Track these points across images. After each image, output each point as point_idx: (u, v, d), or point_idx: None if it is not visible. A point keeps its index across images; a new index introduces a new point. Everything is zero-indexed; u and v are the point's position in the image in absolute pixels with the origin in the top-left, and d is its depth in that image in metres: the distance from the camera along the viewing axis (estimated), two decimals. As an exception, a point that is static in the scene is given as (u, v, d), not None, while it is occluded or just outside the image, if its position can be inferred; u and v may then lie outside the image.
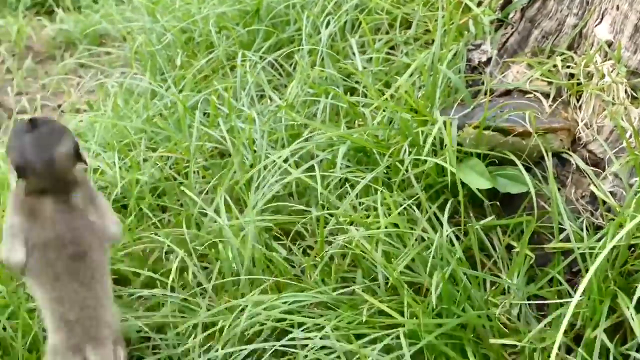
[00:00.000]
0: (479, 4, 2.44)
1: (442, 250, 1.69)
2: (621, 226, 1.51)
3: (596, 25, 1.92)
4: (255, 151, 2.20)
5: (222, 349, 1.69)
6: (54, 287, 1.71)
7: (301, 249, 2.00)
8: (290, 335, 1.64)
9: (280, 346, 1.65)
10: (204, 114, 2.51)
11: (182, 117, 2.40)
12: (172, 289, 1.90)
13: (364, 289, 1.75)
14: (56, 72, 3.87)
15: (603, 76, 1.83)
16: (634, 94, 1.78)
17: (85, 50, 3.92)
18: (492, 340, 1.60)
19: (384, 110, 2.12)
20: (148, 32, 3.16)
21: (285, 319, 1.70)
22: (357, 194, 1.88)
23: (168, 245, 2.02)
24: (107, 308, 1.76)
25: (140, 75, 2.96)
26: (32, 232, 1.77)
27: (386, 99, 2.09)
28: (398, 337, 1.58)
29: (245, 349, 1.70)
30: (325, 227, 1.87)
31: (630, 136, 1.73)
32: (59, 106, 3.52)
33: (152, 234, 2.09)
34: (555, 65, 1.98)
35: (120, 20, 3.88)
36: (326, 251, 1.86)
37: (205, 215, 2.10)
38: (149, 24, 3.20)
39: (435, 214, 1.82)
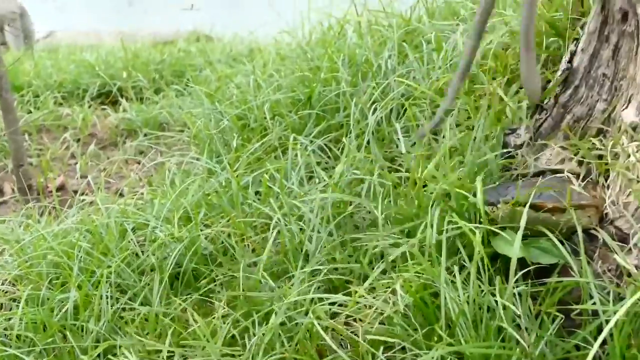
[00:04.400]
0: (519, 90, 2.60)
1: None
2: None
3: (623, 110, 2.04)
4: (301, 227, 2.34)
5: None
6: None
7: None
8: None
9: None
10: (257, 192, 2.67)
11: (236, 195, 2.56)
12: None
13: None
14: (118, 158, 4.07)
15: (629, 156, 1.95)
16: (658, 173, 1.89)
17: (145, 138, 4.14)
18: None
19: (424, 186, 2.26)
20: (206, 118, 3.35)
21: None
22: (395, 265, 2.01)
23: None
24: None
25: (198, 157, 3.14)
26: None
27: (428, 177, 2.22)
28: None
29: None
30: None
31: (654, 211, 1.85)
32: (119, 189, 3.70)
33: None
34: (588, 147, 2.11)
35: (180, 109, 4.09)
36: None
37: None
38: (207, 110, 3.39)
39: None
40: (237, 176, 2.67)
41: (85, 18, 12.74)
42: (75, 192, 3.81)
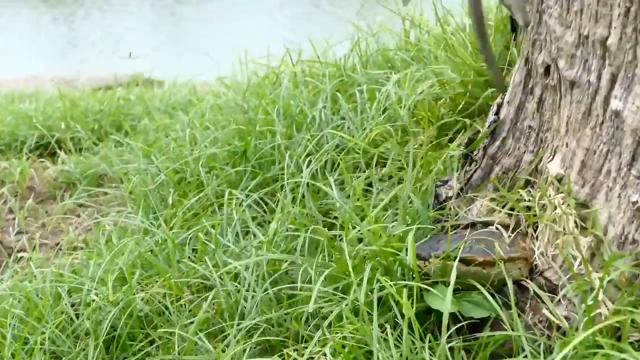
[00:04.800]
0: (450, 141, 2.63)
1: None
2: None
3: (549, 162, 2.08)
4: (237, 286, 2.33)
5: None
6: None
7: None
8: None
9: None
10: (193, 250, 2.66)
11: (172, 254, 2.54)
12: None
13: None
14: (56, 212, 4.02)
15: (555, 208, 1.98)
16: (583, 224, 1.92)
17: (84, 191, 4.08)
18: None
19: (360, 241, 2.27)
20: (143, 173, 3.33)
21: None
22: (330, 323, 2.01)
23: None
24: None
25: (134, 215, 3.11)
26: None
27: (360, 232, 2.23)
28: None
29: None
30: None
31: (580, 264, 1.87)
32: (57, 244, 3.65)
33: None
34: (516, 198, 2.14)
35: (119, 161, 4.04)
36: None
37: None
38: (144, 165, 3.38)
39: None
40: (172, 234, 2.65)
41: (26, 64, 12.66)
42: (12, 249, 3.76)
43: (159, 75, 8.93)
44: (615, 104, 1.81)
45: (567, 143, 2.01)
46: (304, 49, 3.87)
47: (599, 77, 1.87)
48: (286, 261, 2.35)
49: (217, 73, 4.86)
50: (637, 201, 1.79)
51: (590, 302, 1.76)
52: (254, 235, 2.58)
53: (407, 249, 2.07)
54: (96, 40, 15.80)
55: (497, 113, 2.28)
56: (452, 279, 1.92)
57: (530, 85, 2.18)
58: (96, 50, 14.93)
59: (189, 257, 2.59)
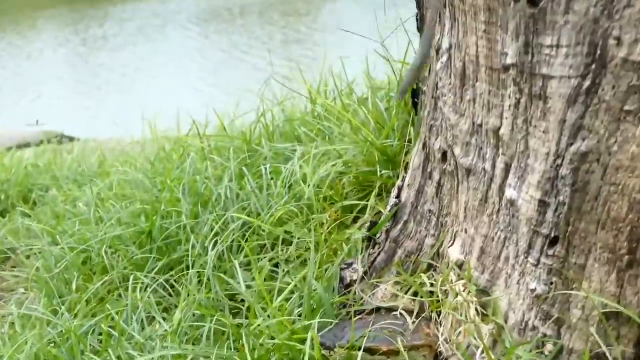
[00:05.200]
0: (354, 220, 2.63)
1: None
2: None
3: (449, 246, 2.10)
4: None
5: None
6: None
7: None
8: None
9: None
10: (99, 338, 2.60)
11: (75, 345, 2.48)
12: None
13: None
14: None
15: (457, 295, 1.99)
16: (484, 310, 1.94)
17: (-11, 267, 3.97)
18: None
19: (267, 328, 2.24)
20: (47, 254, 3.25)
21: None
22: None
23: None
24: None
25: (39, 299, 3.03)
26: None
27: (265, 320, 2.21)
28: None
29: None
30: None
31: (482, 352, 1.88)
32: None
33: None
34: (419, 283, 2.15)
35: (23, 241, 3.93)
36: None
37: None
38: (47, 247, 3.30)
39: None
40: (76, 324, 2.59)
41: None
42: None
43: (71, 129, 8.85)
44: (510, 192, 1.83)
45: (465, 229, 2.03)
46: (212, 121, 3.88)
47: (493, 166, 1.89)
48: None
49: (127, 130, 4.82)
50: (535, 288, 1.80)
51: (492, 391, 1.77)
52: (160, 322, 2.54)
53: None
54: (8, 89, 15.59)
55: (397, 196, 2.29)
56: (357, 370, 1.91)
57: (428, 170, 2.20)
58: (7, 100, 14.73)
59: (93, 347, 2.52)
